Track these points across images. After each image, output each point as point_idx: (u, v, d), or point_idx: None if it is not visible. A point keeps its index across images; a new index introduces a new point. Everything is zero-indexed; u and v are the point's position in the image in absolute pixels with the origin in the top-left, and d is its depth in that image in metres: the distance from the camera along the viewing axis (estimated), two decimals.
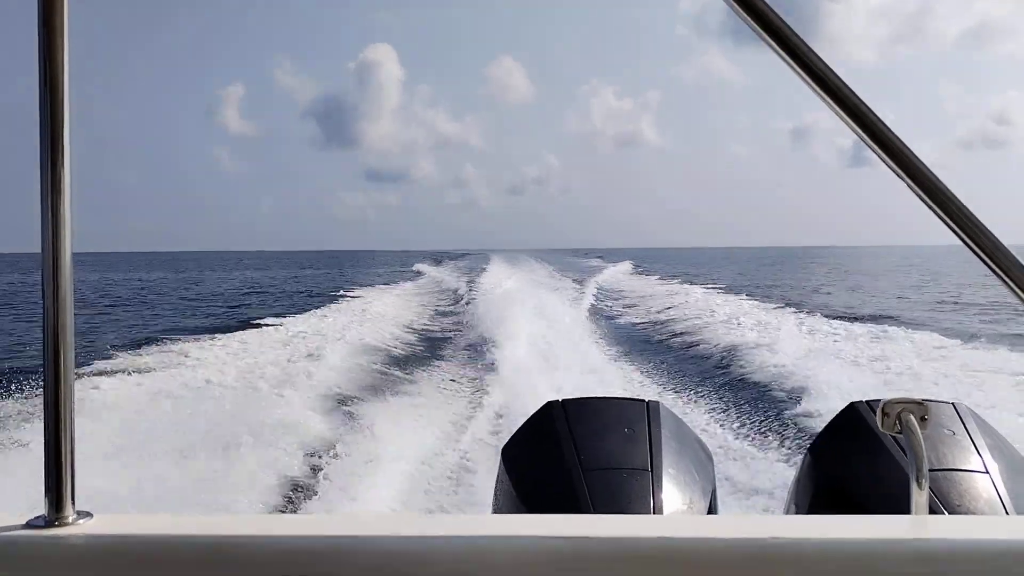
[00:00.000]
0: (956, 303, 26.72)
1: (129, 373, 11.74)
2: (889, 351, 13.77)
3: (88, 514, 1.19)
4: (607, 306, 26.01)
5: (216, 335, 16.87)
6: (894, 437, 1.79)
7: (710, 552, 1.11)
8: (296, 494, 7.04)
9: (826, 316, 20.05)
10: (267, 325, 18.97)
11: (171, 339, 16.85)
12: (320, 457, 7.87)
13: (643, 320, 21.33)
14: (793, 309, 22.21)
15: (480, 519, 1.23)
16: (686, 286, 32.72)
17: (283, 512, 6.57)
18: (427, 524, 1.26)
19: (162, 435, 8.09)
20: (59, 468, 1.14)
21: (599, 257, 69.18)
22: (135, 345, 16.03)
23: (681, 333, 17.56)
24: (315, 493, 7.08)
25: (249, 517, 1.27)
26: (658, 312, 22.32)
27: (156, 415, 9.20)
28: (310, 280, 52.00)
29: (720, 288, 31.29)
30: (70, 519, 1.16)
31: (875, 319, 19.63)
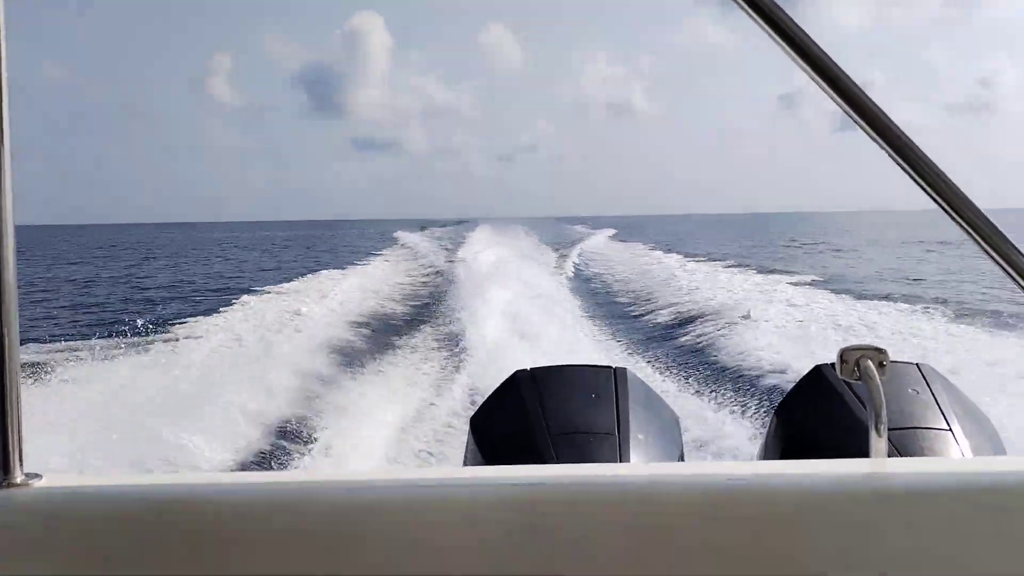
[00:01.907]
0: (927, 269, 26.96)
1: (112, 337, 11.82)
2: (865, 318, 13.93)
3: (37, 475, 1.18)
4: (586, 274, 26.11)
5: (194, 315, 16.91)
6: (855, 391, 1.90)
7: (669, 493, 1.15)
8: (269, 459, 7.13)
9: (806, 283, 20.25)
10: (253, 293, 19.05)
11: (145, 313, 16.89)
12: (292, 427, 7.95)
13: (621, 287, 21.41)
14: (771, 275, 22.38)
15: (445, 470, 1.29)
16: (664, 254, 32.81)
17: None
18: (391, 475, 1.28)
19: (142, 398, 8.14)
20: (5, 431, 1.14)
21: (584, 224, 69.35)
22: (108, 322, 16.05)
23: (656, 299, 17.63)
24: (289, 459, 7.17)
25: (204, 473, 1.31)
26: (635, 279, 22.41)
27: (136, 380, 9.24)
28: (289, 252, 51.71)
29: (700, 257, 31.39)
30: (18, 480, 1.16)
31: (850, 285, 19.83)
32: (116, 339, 11.78)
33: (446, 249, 34.90)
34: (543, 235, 48.64)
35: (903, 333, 12.19)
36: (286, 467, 6.98)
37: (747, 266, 26.04)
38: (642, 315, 16.40)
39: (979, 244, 1.06)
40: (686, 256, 30.53)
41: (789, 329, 12.36)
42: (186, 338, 12.80)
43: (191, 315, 16.21)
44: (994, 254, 1.06)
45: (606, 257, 32.53)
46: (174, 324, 14.74)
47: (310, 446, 7.45)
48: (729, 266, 26.02)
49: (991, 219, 1.06)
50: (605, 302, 18.87)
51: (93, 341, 11.70)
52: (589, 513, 1.14)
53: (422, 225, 70.26)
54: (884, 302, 15.81)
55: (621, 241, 46.14)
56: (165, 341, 12.47)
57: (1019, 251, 1.07)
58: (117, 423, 6.99)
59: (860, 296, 16.95)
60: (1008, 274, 1.07)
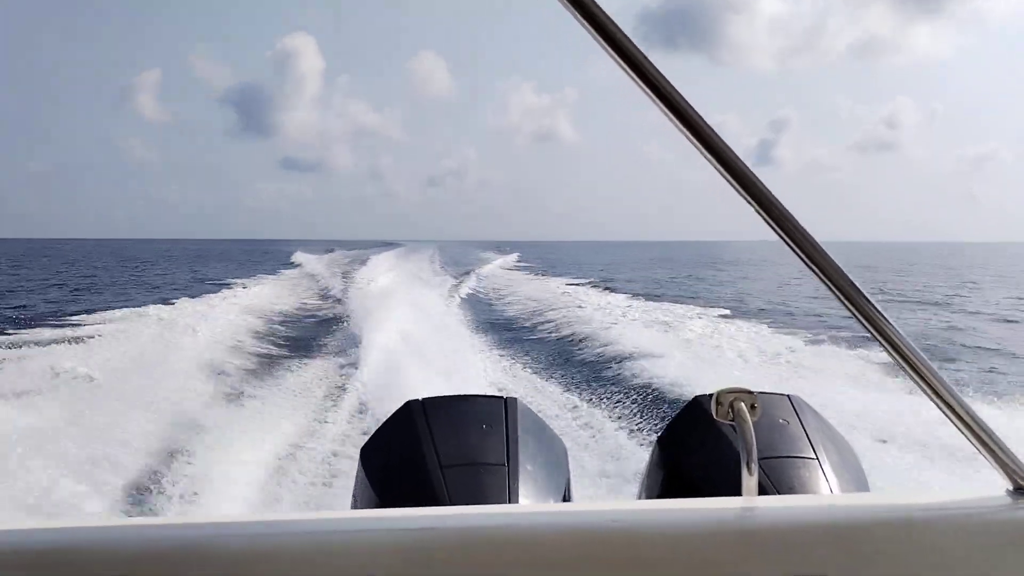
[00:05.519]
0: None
1: None
2: (756, 346, 14.36)
3: None
4: (482, 298, 26.09)
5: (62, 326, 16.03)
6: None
7: (555, 536, 1.16)
8: (141, 496, 6.64)
9: (700, 310, 20.78)
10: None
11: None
12: (170, 457, 7.47)
13: (517, 312, 21.52)
14: (670, 304, 22.91)
15: (332, 514, 1.22)
16: (565, 281, 33.29)
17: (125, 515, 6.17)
18: (277, 521, 1.23)
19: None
20: None
21: (496, 250, 70.67)
22: None
23: (551, 325, 17.85)
24: (163, 494, 6.71)
25: (78, 520, 1.14)
26: (530, 305, 22.58)
27: None
28: (180, 269, 50.02)
29: (596, 283, 31.94)
30: None
31: (747, 315, 20.45)
32: None
33: (343, 272, 34.34)
34: (448, 257, 48.64)
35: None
36: (152, 511, 6.45)
37: (664, 296, 26.56)
38: (536, 337, 16.54)
39: (815, 273, 1.11)
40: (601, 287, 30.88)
41: (680, 357, 12.56)
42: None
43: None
44: (830, 284, 1.11)
45: (505, 280, 32.69)
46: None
47: (179, 486, 6.90)
48: (635, 296, 26.52)
49: (827, 251, 1.11)
50: (497, 323, 18.96)
51: None
52: (480, 558, 1.14)
53: (329, 248, 68.59)
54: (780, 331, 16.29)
55: (522, 269, 46.52)
56: None
57: (849, 279, 1.11)
58: None
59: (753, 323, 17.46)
60: (836, 297, 1.12)
